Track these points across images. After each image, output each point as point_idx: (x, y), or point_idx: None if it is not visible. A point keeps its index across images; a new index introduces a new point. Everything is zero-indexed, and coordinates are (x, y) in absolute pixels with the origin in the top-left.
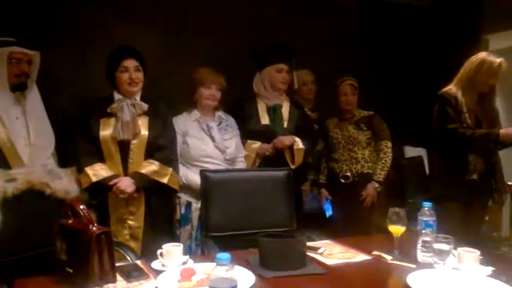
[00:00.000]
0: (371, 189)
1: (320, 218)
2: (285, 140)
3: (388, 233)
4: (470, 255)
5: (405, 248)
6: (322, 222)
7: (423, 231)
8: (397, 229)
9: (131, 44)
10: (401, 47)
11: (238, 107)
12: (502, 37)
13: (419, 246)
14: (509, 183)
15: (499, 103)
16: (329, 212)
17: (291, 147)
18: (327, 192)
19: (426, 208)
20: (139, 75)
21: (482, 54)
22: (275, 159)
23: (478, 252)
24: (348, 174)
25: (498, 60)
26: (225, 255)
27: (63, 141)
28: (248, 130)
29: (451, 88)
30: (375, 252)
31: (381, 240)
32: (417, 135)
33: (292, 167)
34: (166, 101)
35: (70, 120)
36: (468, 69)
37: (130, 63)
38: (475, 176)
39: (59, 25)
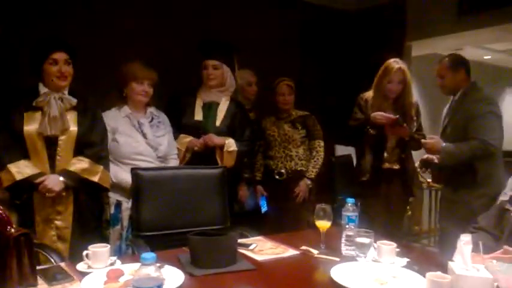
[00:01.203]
0: (303, 186)
1: (256, 215)
2: (215, 138)
3: (317, 228)
4: (387, 247)
5: (331, 243)
6: (258, 219)
7: (346, 226)
8: (323, 224)
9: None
10: (335, 51)
11: (176, 99)
12: (424, 44)
13: (343, 240)
14: (428, 180)
15: (422, 109)
16: (264, 208)
17: (221, 148)
18: (262, 188)
19: (349, 204)
20: (69, 69)
21: (388, 61)
22: (206, 157)
23: (394, 244)
24: (283, 171)
25: (397, 65)
26: (150, 255)
27: None
28: (181, 124)
29: (369, 92)
30: (303, 247)
31: (309, 236)
32: (346, 135)
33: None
34: (95, 95)
35: None
36: (377, 74)
37: (60, 56)
38: (365, 178)
39: None
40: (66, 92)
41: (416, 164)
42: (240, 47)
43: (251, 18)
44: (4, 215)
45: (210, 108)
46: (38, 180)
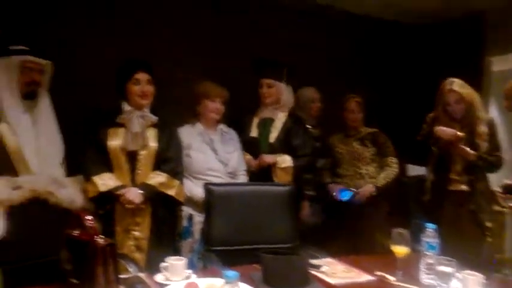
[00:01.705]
0: (366, 190)
1: (321, 234)
2: (267, 158)
3: (390, 252)
4: (474, 278)
5: (408, 269)
6: (324, 238)
7: (426, 252)
8: (400, 250)
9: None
10: (405, 66)
11: (239, 118)
12: (506, 59)
13: (422, 268)
14: (510, 204)
15: (505, 126)
16: (346, 197)
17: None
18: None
19: (429, 230)
20: (151, 89)
21: (444, 82)
22: (264, 174)
23: (481, 275)
24: (353, 189)
25: (448, 87)
26: (233, 274)
27: (73, 151)
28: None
29: None
30: (378, 273)
31: (383, 260)
32: (419, 154)
33: None
34: (172, 112)
35: (80, 129)
36: (436, 101)
37: (143, 76)
38: (426, 197)
39: (71, 34)
40: (147, 110)
41: (497, 188)
42: (303, 64)
43: (313, 37)
44: (93, 225)
45: (265, 125)
46: (120, 192)
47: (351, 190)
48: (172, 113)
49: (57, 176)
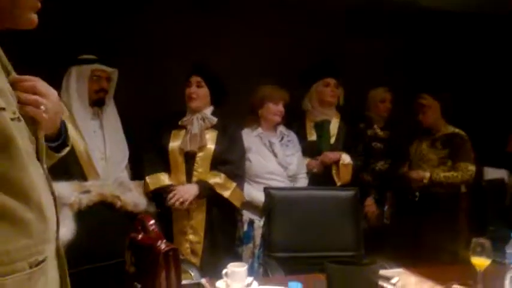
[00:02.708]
0: (419, 173)
1: (383, 238)
2: (331, 154)
3: (468, 263)
4: None
5: (490, 283)
6: (384, 243)
7: (511, 265)
8: (481, 262)
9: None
10: (484, 59)
11: (288, 125)
12: None
13: (507, 282)
14: None
15: None
16: None
17: (337, 163)
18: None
19: None
20: (199, 91)
21: None
22: (323, 176)
23: None
24: (416, 193)
25: None
26: (297, 285)
27: (137, 155)
28: None
29: None
30: (456, 286)
31: (459, 272)
32: (499, 156)
33: (338, 183)
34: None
35: (144, 135)
36: None
37: (194, 79)
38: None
39: (136, 43)
40: (208, 112)
41: None
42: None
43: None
44: (156, 230)
45: (322, 127)
46: (170, 189)
47: None
48: (235, 116)
49: (123, 180)
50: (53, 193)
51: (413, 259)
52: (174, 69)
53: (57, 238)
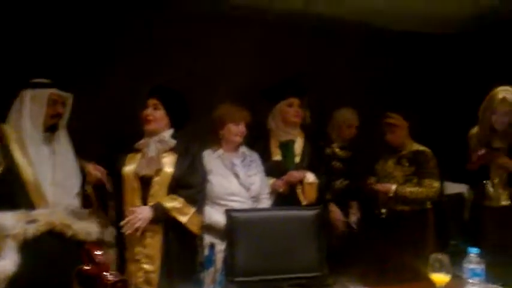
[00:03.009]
0: (385, 185)
1: (346, 258)
2: (296, 173)
3: (427, 280)
4: None
5: None
6: (347, 262)
7: (470, 280)
8: (440, 278)
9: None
10: (441, 78)
11: (252, 144)
12: None
13: None
14: None
15: None
16: None
17: (302, 182)
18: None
19: (473, 255)
20: (155, 113)
21: (495, 89)
22: (289, 197)
23: None
24: (383, 210)
25: (501, 95)
26: None
27: None
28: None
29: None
30: None
31: None
32: (457, 170)
33: (304, 203)
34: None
35: (99, 159)
36: (482, 104)
37: (151, 101)
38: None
39: (88, 65)
40: (166, 135)
41: None
42: (339, 84)
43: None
44: (102, 261)
45: (287, 147)
46: (132, 209)
47: None
48: (196, 137)
49: (74, 208)
50: None
51: (380, 277)
52: (134, 91)
53: None
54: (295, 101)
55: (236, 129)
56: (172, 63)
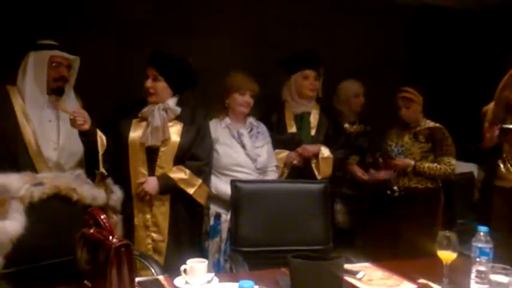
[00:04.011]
0: (404, 161)
1: (352, 235)
2: (310, 147)
3: (435, 257)
4: None
5: (456, 277)
6: (360, 240)
7: (478, 259)
8: (447, 255)
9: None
10: (455, 54)
11: (266, 116)
12: None
13: (473, 276)
14: None
15: None
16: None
17: (316, 157)
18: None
19: (482, 233)
20: (156, 86)
21: None
22: (302, 169)
23: None
24: (395, 187)
25: None
26: (248, 284)
27: None
28: (275, 139)
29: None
30: (421, 280)
31: (426, 266)
32: (467, 149)
33: (318, 177)
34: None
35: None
36: (500, 83)
37: (150, 72)
38: (476, 197)
39: (101, 27)
40: (170, 103)
41: None
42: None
43: (351, 27)
44: (107, 225)
45: (302, 119)
46: (139, 181)
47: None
48: (203, 106)
49: (81, 172)
50: None
51: (386, 253)
52: (139, 57)
53: None
54: (311, 73)
55: (241, 100)
56: (179, 29)
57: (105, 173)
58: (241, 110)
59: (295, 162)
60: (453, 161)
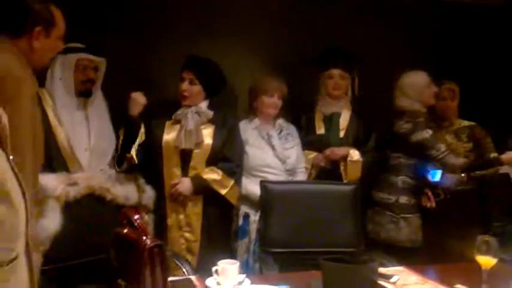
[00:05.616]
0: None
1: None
2: (338, 150)
3: (472, 261)
4: None
5: (496, 283)
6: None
7: None
8: (487, 261)
9: (200, 51)
10: (487, 50)
11: (296, 117)
12: None
13: None
14: None
15: None
16: (436, 178)
17: (345, 159)
18: None
19: None
20: (192, 89)
21: None
22: (332, 172)
23: None
24: (439, 191)
25: None
26: None
27: None
28: (304, 140)
29: None
30: (458, 286)
31: (463, 271)
32: (504, 148)
33: (345, 180)
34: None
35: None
36: None
37: (187, 75)
38: None
39: (126, 30)
40: (203, 106)
41: None
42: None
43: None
44: (141, 225)
45: (331, 120)
46: (173, 182)
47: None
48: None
49: (113, 173)
50: (20, 184)
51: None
52: (168, 58)
53: (26, 233)
54: (336, 72)
55: (268, 101)
56: (207, 31)
57: (135, 161)
58: (269, 111)
59: (322, 164)
60: (498, 156)
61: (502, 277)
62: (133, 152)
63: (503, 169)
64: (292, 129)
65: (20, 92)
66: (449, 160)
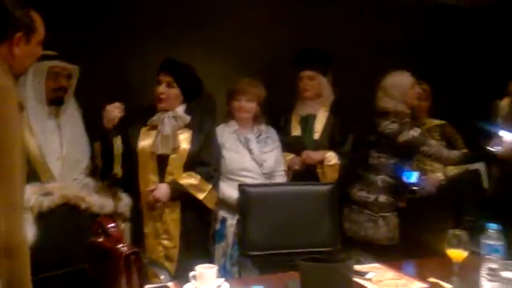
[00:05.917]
0: (435, 178)
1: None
2: (314, 155)
3: (444, 256)
4: None
5: (466, 275)
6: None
7: (488, 256)
8: (457, 254)
9: (179, 56)
10: (463, 52)
11: (275, 119)
12: None
13: (483, 273)
14: None
15: None
16: (411, 179)
17: (322, 163)
18: None
19: (492, 230)
20: (170, 92)
21: None
22: (308, 174)
23: None
24: (415, 188)
25: None
26: None
27: None
28: (282, 141)
29: (506, 98)
30: (431, 279)
31: (435, 265)
32: (476, 146)
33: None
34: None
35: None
36: None
37: (163, 78)
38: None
39: (104, 35)
40: (180, 111)
41: None
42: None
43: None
44: (116, 233)
45: (307, 122)
46: (149, 189)
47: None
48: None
49: (87, 182)
50: None
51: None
52: (147, 64)
53: None
54: (304, 74)
55: (236, 105)
56: (185, 35)
57: (119, 175)
58: (240, 115)
59: (296, 167)
60: (469, 153)
61: (471, 268)
62: (117, 170)
63: (474, 165)
64: (272, 133)
65: (4, 102)
66: (443, 154)
